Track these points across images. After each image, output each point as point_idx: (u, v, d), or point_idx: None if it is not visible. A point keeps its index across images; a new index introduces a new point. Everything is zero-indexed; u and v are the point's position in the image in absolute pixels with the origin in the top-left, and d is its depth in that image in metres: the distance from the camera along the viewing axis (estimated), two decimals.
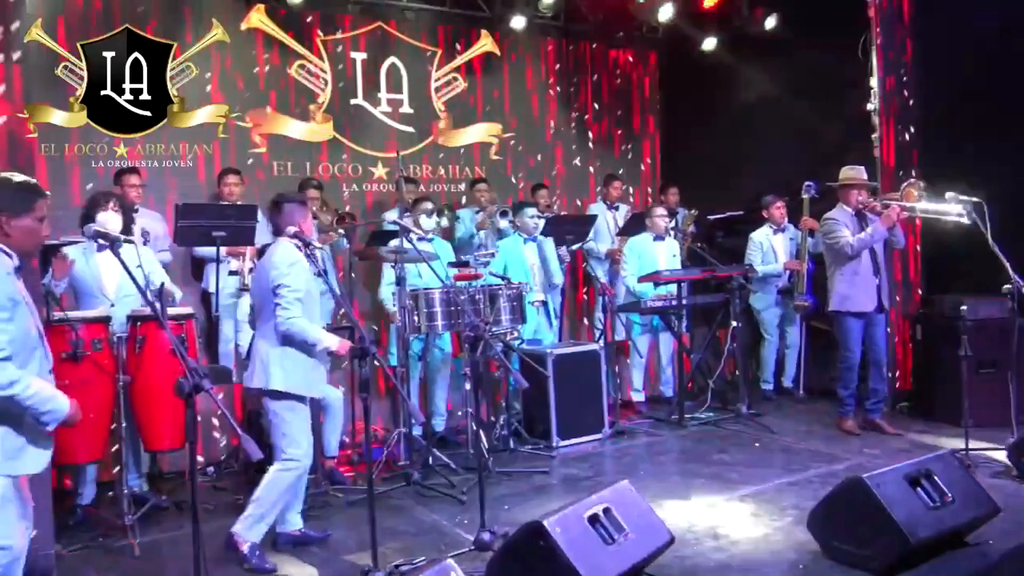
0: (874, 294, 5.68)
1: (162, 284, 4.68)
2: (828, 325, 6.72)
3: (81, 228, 4.69)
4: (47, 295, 4.18)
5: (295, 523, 4.13)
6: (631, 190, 8.40)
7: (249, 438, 2.62)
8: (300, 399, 3.97)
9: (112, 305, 4.58)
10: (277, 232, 4.08)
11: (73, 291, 4.67)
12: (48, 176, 5.71)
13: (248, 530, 3.85)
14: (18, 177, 2.86)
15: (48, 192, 3.00)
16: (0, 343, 2.62)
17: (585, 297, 8.03)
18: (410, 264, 5.40)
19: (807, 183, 6.61)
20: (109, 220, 4.50)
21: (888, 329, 6.07)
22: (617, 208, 7.56)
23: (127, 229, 4.73)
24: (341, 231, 5.91)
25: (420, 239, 5.64)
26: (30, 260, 2.94)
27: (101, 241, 3.34)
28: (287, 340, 3.92)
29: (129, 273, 2.93)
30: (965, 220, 5.11)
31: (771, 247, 6.98)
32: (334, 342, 3.95)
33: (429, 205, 5.95)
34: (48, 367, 2.88)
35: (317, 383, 4.09)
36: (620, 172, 8.12)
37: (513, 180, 7.80)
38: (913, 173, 6.15)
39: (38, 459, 2.80)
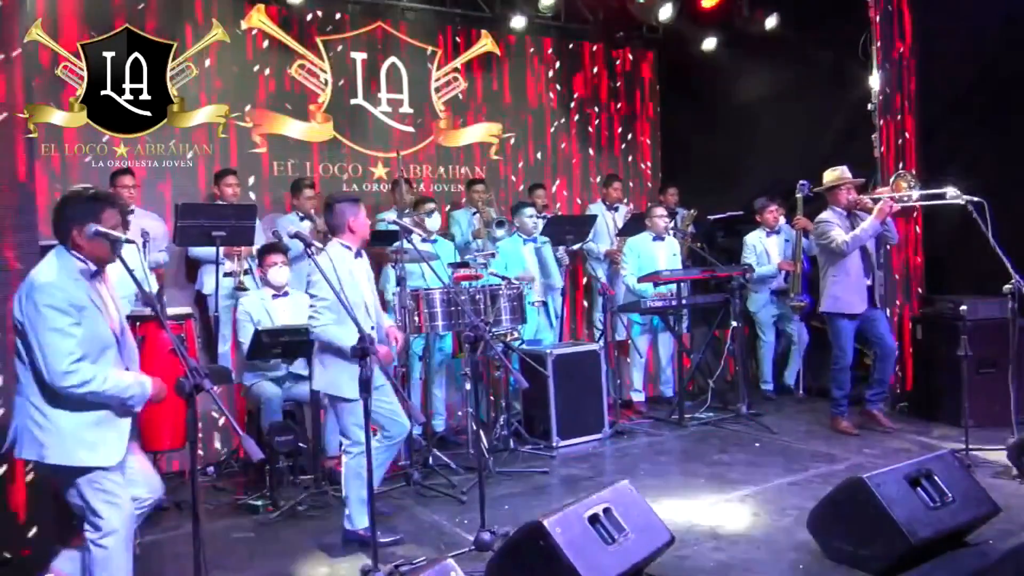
0: (865, 295, 5.69)
1: (161, 286, 4.69)
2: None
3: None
4: None
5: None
6: (631, 189, 8.39)
7: (249, 438, 2.63)
8: (343, 398, 4.03)
9: None
10: (332, 234, 4.21)
11: None
12: (48, 176, 5.71)
13: (356, 519, 4.05)
14: (91, 189, 3.03)
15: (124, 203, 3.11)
16: (70, 347, 2.80)
17: (585, 299, 8.02)
18: (412, 265, 5.40)
19: (801, 182, 6.60)
20: None
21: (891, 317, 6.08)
22: (616, 209, 7.55)
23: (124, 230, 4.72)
24: None
25: (424, 240, 5.65)
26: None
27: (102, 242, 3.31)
28: (323, 345, 4.10)
29: (131, 273, 2.93)
30: (961, 202, 5.10)
31: (764, 249, 6.97)
32: None
33: (432, 205, 5.97)
34: (125, 364, 3.03)
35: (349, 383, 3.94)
36: (620, 172, 8.12)
37: (513, 180, 7.79)
38: (902, 165, 6.16)
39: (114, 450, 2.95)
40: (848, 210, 5.73)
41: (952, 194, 5.19)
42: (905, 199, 5.69)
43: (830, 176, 5.80)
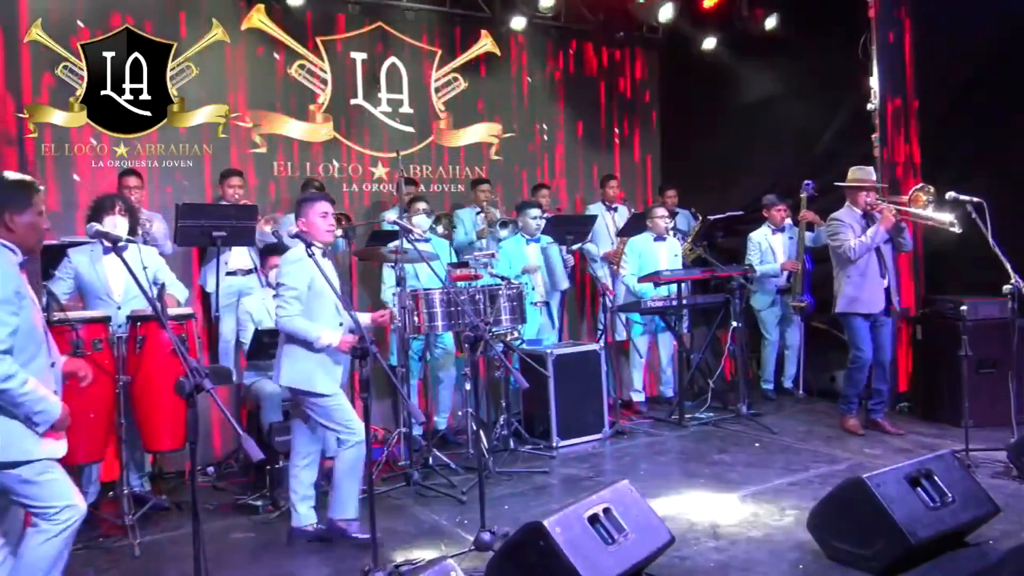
0: (882, 296, 5.66)
1: (162, 285, 4.68)
2: (828, 325, 6.72)
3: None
4: (48, 295, 4.18)
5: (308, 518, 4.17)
6: (631, 190, 8.39)
7: (249, 438, 2.62)
8: (318, 394, 4.00)
9: (119, 308, 4.58)
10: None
11: (80, 294, 4.68)
12: (48, 176, 5.71)
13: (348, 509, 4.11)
14: (12, 175, 2.95)
15: (42, 188, 3.05)
16: (1, 336, 2.68)
17: (585, 300, 8.02)
18: (409, 265, 5.40)
19: (805, 182, 6.61)
20: (116, 224, 4.50)
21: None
22: (616, 209, 7.54)
23: (133, 232, 4.73)
24: (339, 232, 5.91)
25: (417, 239, 5.64)
26: (35, 257, 3.01)
27: (104, 242, 3.33)
28: (289, 338, 4.03)
29: (132, 273, 2.92)
30: (956, 230, 5.20)
31: (769, 247, 6.97)
32: (334, 339, 3.97)
33: (424, 205, 5.96)
34: (51, 361, 2.94)
35: (323, 379, 4.05)
36: (620, 172, 8.12)
37: (513, 180, 7.79)
38: (919, 177, 6.12)
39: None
40: (865, 211, 5.70)
41: (945, 217, 5.20)
42: (917, 214, 5.59)
43: (854, 175, 5.74)
